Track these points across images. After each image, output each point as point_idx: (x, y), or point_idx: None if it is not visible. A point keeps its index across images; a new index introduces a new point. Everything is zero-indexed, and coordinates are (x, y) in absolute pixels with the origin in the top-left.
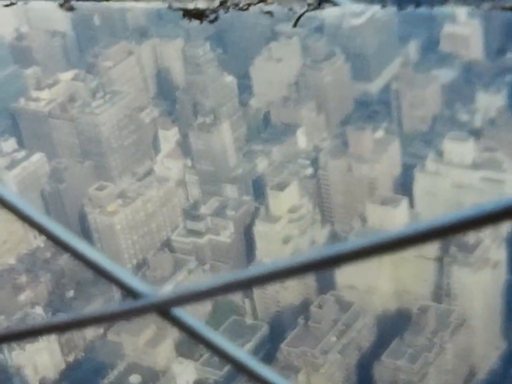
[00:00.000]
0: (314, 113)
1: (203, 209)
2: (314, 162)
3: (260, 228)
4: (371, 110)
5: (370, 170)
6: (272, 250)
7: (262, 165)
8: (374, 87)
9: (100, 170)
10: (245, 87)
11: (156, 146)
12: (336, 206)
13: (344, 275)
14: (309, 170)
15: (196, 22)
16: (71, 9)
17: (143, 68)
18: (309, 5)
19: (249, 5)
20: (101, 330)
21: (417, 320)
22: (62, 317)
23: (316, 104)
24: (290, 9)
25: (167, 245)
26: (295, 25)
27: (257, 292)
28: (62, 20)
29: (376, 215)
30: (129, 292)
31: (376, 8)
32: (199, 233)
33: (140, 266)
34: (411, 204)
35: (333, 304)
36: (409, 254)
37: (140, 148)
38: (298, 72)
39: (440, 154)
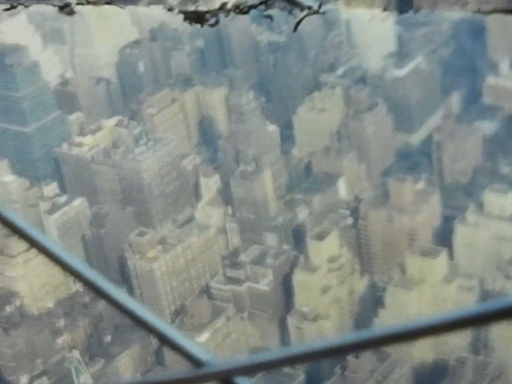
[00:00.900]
0: (355, 163)
1: (243, 257)
2: (355, 212)
3: (299, 277)
4: (412, 161)
5: (410, 221)
6: (310, 299)
7: (302, 214)
8: (416, 138)
9: (141, 217)
10: (287, 136)
11: (197, 194)
12: (376, 256)
13: (382, 324)
14: (349, 220)
15: (240, 71)
16: (71, 13)
17: (186, 115)
18: (309, 8)
19: (250, 8)
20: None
21: (454, 372)
22: (126, 381)
23: (357, 154)
24: (290, 12)
25: (206, 291)
26: (295, 29)
27: (293, 339)
28: (107, 67)
29: (416, 266)
30: (191, 360)
31: (420, 59)
32: (238, 281)
33: (178, 313)
34: (450, 256)
35: (370, 354)
36: (448, 305)
37: (181, 195)
38: (341, 122)
39: (480, 206)
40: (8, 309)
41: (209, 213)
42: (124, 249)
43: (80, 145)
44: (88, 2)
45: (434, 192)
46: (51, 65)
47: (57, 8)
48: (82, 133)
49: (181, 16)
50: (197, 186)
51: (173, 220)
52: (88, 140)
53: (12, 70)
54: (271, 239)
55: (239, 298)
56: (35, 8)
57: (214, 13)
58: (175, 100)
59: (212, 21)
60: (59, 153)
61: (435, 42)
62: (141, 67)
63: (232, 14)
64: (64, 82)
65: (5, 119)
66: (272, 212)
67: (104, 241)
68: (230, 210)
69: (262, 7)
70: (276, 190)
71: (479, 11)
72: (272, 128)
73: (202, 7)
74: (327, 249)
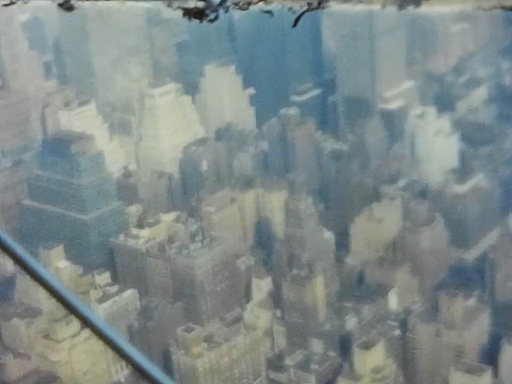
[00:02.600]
0: (408, 276)
1: (287, 361)
2: (403, 324)
3: None
4: (465, 277)
5: (458, 337)
6: None
7: (351, 322)
8: (471, 254)
9: (190, 312)
10: (342, 243)
11: (247, 294)
12: (420, 370)
13: None
14: (397, 332)
15: (301, 176)
16: (70, 8)
17: (244, 216)
18: (309, 4)
19: (249, 4)
20: None
21: None
22: None
23: (411, 267)
24: (290, 8)
25: None
26: (295, 24)
27: None
28: (170, 162)
29: (460, 383)
30: None
31: (480, 176)
32: None
33: None
34: (495, 374)
35: None
36: None
37: (231, 294)
38: (397, 234)
39: None
40: None
41: (258, 314)
42: (169, 343)
43: (136, 237)
44: None
45: (484, 310)
46: (116, 156)
47: (56, 3)
48: (139, 225)
49: (249, 117)
50: (248, 286)
51: (221, 318)
52: (144, 232)
53: (77, 158)
54: (317, 345)
55: None
56: (105, 98)
57: (214, 8)
58: (235, 200)
59: (212, 16)
60: (115, 243)
61: (497, 161)
62: (204, 165)
63: (233, 10)
64: (127, 174)
65: (65, 205)
66: (321, 317)
67: (150, 333)
68: (279, 313)
69: (262, 4)
70: (326, 296)
71: (478, 7)
72: (328, 234)
73: (201, 3)
74: (373, 359)
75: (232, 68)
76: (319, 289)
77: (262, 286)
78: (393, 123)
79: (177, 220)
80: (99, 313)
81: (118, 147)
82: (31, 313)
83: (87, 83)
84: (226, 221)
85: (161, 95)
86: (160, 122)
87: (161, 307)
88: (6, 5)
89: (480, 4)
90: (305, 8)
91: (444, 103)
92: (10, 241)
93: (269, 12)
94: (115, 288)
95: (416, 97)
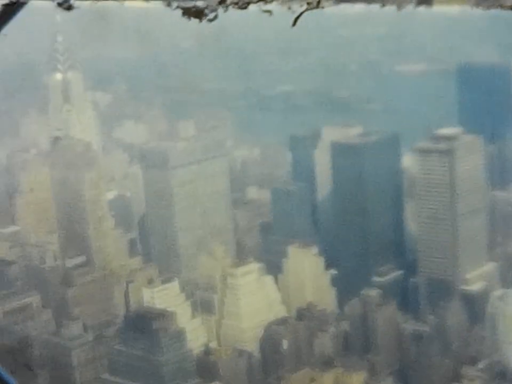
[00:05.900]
0: None
1: None
2: None
3: None
4: None
5: None
6: None
7: None
8: None
9: None
10: None
11: None
12: None
13: None
14: None
15: (381, 356)
16: (69, 8)
17: None
18: (308, 3)
19: (248, 3)
20: None
21: None
22: None
23: None
24: (289, 8)
25: None
26: (294, 23)
27: None
28: (251, 341)
29: None
30: None
31: None
32: None
33: None
34: None
35: None
36: None
37: None
38: None
39: None
40: None
41: None
42: None
43: None
44: None
45: None
46: (197, 334)
47: (56, 3)
48: None
49: (330, 298)
50: None
51: None
52: None
53: (158, 335)
54: None
55: None
56: (188, 276)
57: (213, 8)
58: (314, 380)
59: (211, 16)
60: None
61: None
62: (285, 344)
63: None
64: (207, 352)
65: (144, 381)
66: None
67: None
68: None
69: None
70: None
71: (478, 7)
72: None
73: (200, 2)
74: None
75: (315, 249)
76: None
77: None
78: (474, 304)
79: None
80: None
81: (199, 324)
82: None
83: (171, 261)
84: None
85: (243, 274)
86: (242, 302)
87: None
88: (5, 5)
89: (479, 3)
90: (304, 7)
91: None
92: None
93: (268, 11)
94: None
95: (497, 279)
